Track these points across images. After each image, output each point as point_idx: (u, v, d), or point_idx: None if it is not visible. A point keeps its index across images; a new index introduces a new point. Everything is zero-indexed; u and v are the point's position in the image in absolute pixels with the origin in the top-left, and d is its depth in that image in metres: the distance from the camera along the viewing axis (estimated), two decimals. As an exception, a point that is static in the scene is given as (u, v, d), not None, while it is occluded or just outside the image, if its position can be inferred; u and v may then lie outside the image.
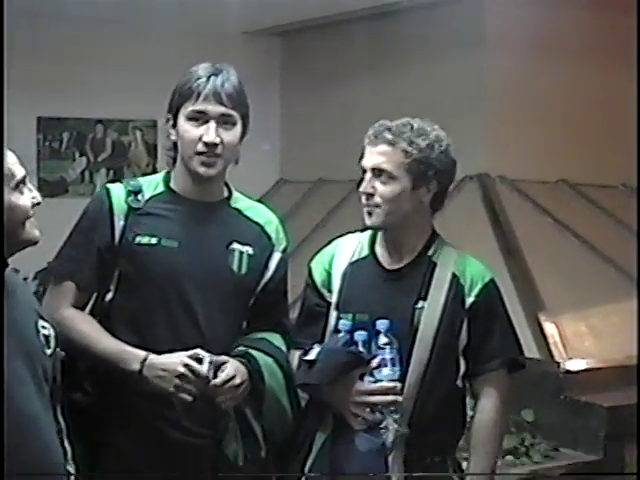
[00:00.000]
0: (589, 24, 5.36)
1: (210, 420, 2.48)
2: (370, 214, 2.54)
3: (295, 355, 2.60)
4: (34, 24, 5.93)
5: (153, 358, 2.41)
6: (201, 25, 6.02)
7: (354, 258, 2.62)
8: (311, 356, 2.49)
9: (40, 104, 6.20)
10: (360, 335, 2.48)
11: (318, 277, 2.64)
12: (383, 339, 2.46)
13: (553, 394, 4.19)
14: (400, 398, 2.44)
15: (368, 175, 2.53)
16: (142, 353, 2.42)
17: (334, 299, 2.59)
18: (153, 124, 6.56)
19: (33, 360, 2.08)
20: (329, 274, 2.63)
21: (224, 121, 2.48)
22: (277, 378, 2.54)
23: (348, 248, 2.65)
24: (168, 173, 2.61)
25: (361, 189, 2.54)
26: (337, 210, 5.89)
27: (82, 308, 2.54)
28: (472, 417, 2.58)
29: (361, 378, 2.48)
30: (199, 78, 2.49)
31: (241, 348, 2.53)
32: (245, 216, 2.62)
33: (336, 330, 2.54)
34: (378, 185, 2.51)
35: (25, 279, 4.27)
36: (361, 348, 2.47)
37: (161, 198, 2.56)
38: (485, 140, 5.29)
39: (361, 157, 2.58)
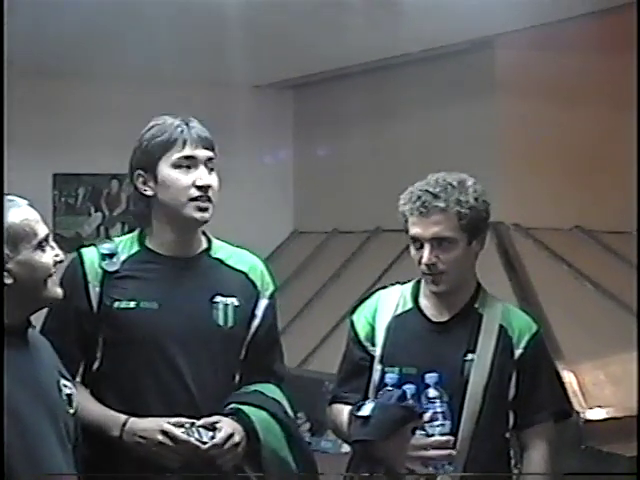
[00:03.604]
0: (602, 69, 5.35)
1: None
2: (436, 282, 2.52)
3: (344, 410, 2.55)
4: (49, 84, 6.00)
5: (132, 423, 2.34)
6: (213, 80, 6.07)
7: (398, 311, 2.60)
8: (365, 412, 2.44)
9: (55, 161, 6.25)
10: (409, 389, 2.45)
11: (361, 331, 2.62)
12: (433, 392, 2.44)
13: (573, 444, 4.13)
14: (454, 452, 2.42)
15: (427, 246, 2.49)
16: (122, 418, 2.35)
17: (378, 353, 2.58)
18: (167, 178, 6.60)
19: (57, 418, 2.08)
20: (372, 328, 2.60)
21: (210, 166, 2.45)
22: (274, 431, 2.45)
23: (391, 301, 2.63)
24: (142, 231, 2.51)
25: (424, 261, 2.49)
26: (352, 260, 5.84)
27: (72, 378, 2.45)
28: (521, 468, 2.55)
29: (412, 432, 2.44)
30: (177, 126, 2.46)
31: (232, 406, 2.44)
32: (227, 265, 2.53)
33: (382, 384, 2.51)
34: (440, 253, 2.49)
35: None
36: (411, 402, 2.44)
37: (137, 258, 2.47)
38: (499, 188, 5.24)
39: (405, 224, 2.54)
